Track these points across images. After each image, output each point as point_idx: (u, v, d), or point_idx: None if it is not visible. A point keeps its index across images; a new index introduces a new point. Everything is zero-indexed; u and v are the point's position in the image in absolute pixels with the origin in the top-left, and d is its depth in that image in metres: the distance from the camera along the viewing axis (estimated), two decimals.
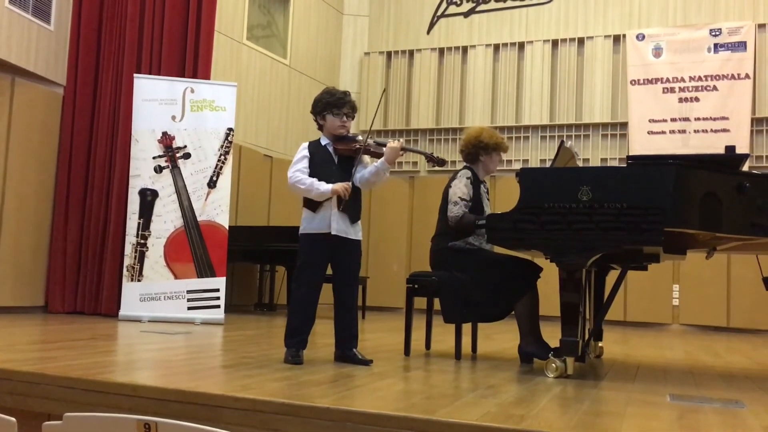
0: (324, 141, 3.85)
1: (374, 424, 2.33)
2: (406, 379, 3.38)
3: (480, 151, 4.38)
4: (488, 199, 4.46)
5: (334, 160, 3.79)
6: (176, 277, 6.11)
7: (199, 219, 6.20)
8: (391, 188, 9.98)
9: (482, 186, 4.41)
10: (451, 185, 4.32)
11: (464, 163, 4.51)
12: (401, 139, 3.89)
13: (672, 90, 9.02)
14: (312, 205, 3.75)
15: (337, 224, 3.71)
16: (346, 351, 3.75)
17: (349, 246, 3.77)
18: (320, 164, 3.75)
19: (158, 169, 6.22)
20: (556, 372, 3.49)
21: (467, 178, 4.31)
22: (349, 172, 3.74)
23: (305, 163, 3.76)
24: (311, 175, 3.72)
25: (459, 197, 4.21)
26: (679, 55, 9.00)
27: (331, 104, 3.80)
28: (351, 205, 3.74)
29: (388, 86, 10.49)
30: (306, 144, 3.85)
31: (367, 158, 3.87)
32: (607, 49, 9.48)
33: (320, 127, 3.88)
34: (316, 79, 9.99)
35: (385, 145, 3.79)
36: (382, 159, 3.74)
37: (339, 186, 3.65)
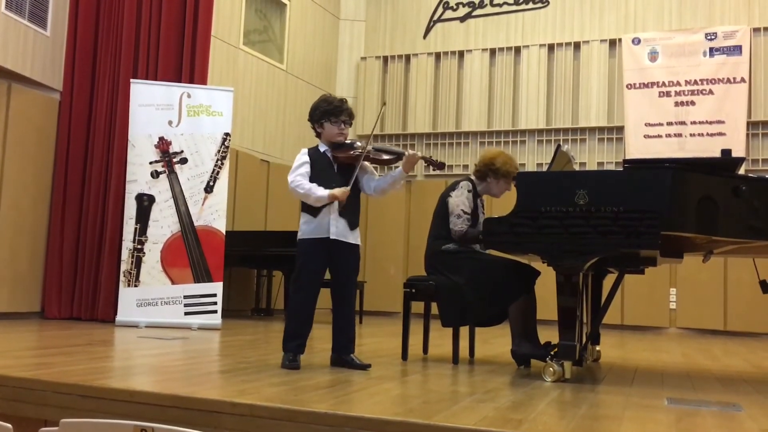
0: (323, 148, 3.85)
1: (372, 428, 2.33)
2: (403, 383, 3.37)
3: (489, 173, 4.38)
4: (483, 213, 4.45)
5: (334, 166, 3.80)
6: (173, 282, 6.10)
7: (195, 224, 6.19)
8: None
9: (479, 200, 4.41)
10: (451, 195, 4.31)
11: (465, 173, 4.51)
12: (414, 150, 3.89)
13: (668, 94, 9.04)
14: (312, 209, 3.75)
15: (336, 228, 3.71)
16: (344, 355, 3.75)
17: (348, 250, 3.77)
18: (321, 170, 3.76)
19: (155, 174, 6.21)
20: (554, 376, 3.49)
21: (468, 190, 4.32)
22: (349, 178, 3.73)
23: (306, 168, 3.76)
24: (312, 180, 3.72)
25: (462, 210, 4.22)
26: (675, 59, 9.03)
27: (329, 112, 3.80)
28: (351, 212, 3.76)
29: (384, 91, 10.49)
30: (306, 150, 3.85)
31: (368, 164, 3.88)
32: (603, 54, 9.50)
33: (318, 135, 3.88)
34: (313, 83, 10.00)
35: (385, 151, 3.81)
36: (400, 169, 3.77)
37: (337, 191, 3.65)
